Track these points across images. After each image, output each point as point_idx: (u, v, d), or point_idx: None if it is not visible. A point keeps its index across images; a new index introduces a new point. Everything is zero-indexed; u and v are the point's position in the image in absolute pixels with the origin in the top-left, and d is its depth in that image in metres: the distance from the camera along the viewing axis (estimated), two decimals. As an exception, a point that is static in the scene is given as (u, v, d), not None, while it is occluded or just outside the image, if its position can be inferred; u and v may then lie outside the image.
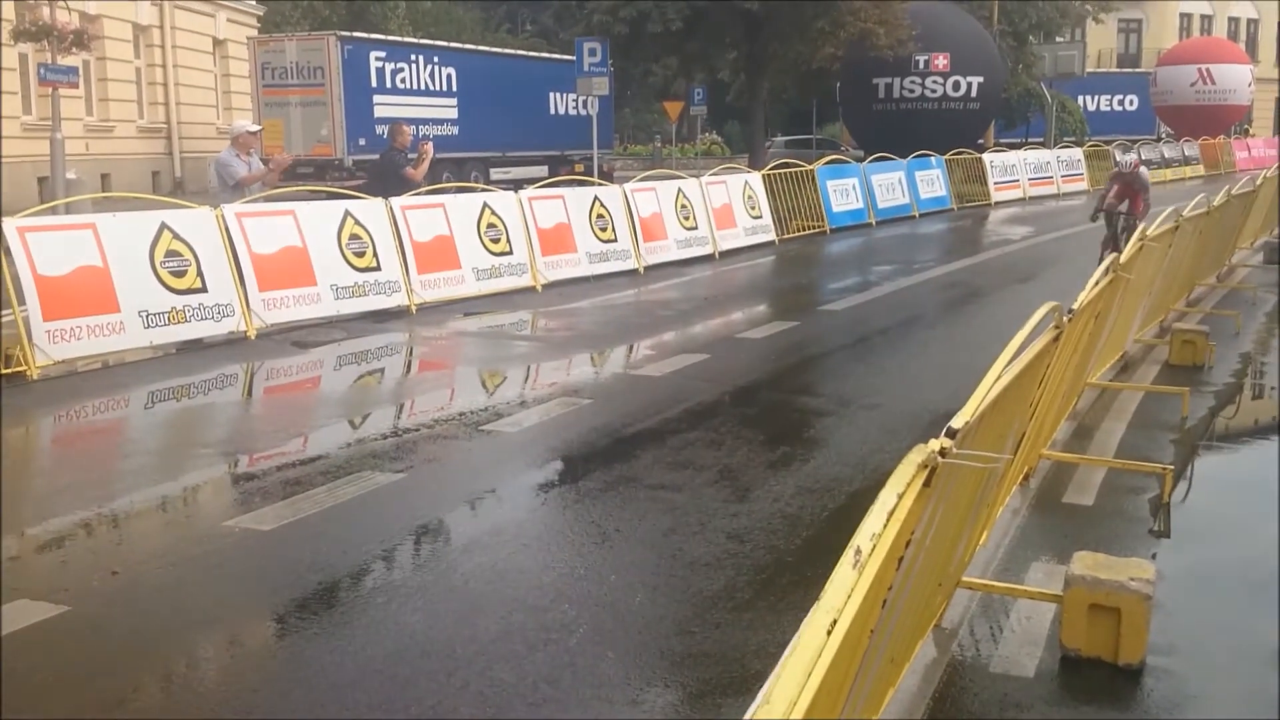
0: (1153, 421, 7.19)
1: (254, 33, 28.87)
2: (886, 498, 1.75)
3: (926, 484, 2.01)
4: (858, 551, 1.55)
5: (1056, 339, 4.05)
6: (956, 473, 2.36)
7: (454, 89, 24.77)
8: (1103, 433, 6.87)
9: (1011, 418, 3.64)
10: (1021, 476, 5.47)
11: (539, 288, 12.71)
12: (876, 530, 1.60)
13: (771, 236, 17.74)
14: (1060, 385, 5.16)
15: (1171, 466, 5.84)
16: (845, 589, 1.50)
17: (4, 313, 8.71)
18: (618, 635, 4.09)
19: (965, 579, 4.14)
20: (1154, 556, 4.83)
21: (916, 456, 1.97)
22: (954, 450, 2.18)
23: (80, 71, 20.92)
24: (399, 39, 27.23)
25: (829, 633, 1.46)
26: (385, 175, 12.60)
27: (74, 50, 19.56)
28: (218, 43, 29.37)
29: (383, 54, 23.25)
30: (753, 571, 4.71)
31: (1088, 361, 6.48)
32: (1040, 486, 5.76)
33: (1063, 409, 6.27)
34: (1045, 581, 4.50)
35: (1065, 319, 4.13)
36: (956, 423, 2.29)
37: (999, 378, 2.75)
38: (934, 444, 2.13)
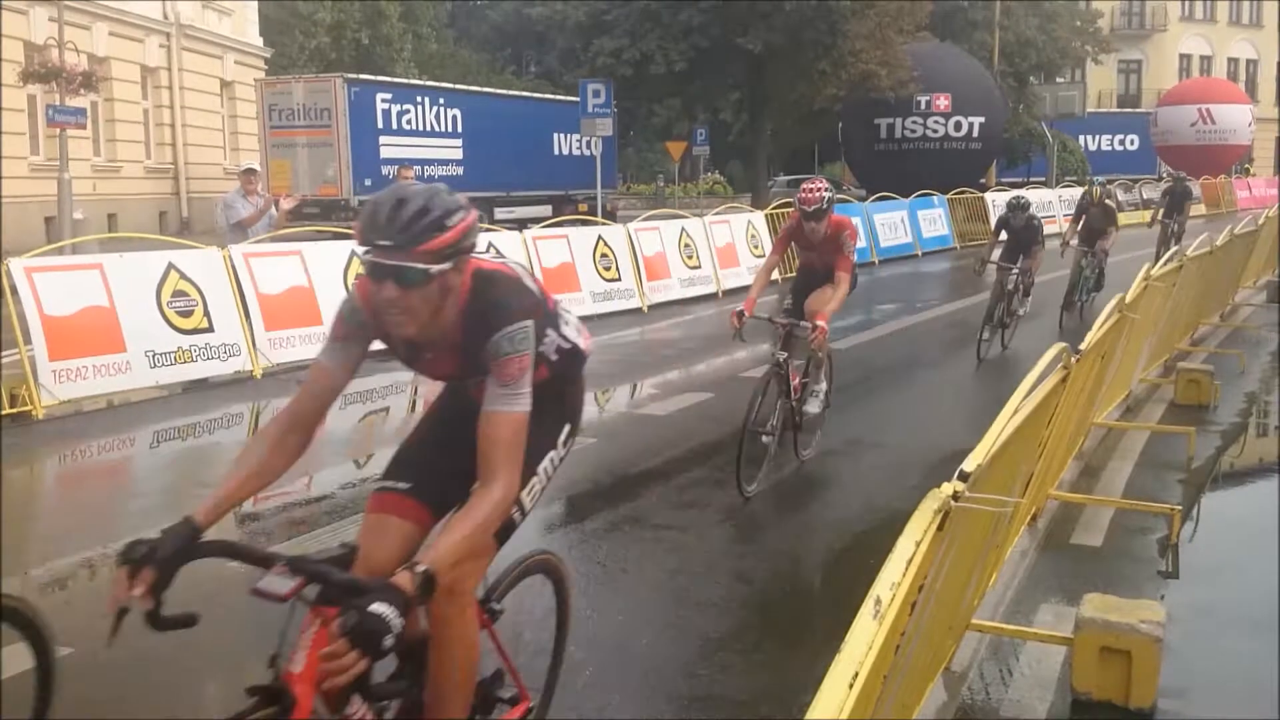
0: (1159, 461, 7.17)
1: (261, 74, 29.12)
2: (905, 546, 1.74)
3: (939, 528, 2.00)
4: (878, 602, 1.54)
5: (1064, 379, 4.05)
6: (968, 516, 2.35)
7: (459, 130, 24.95)
8: (1110, 473, 6.85)
9: (1021, 459, 3.63)
10: (1029, 517, 5.45)
11: (543, 327, 12.72)
12: (896, 579, 1.59)
13: (774, 275, 17.77)
14: (1067, 425, 5.16)
15: (1179, 507, 5.82)
16: (866, 640, 1.49)
17: (9, 353, 8.73)
18: (624, 678, 4.06)
19: (975, 621, 4.11)
20: (1162, 598, 4.80)
21: (932, 503, 1.96)
22: (966, 493, 2.17)
23: (88, 112, 21.10)
24: (405, 81, 27.48)
25: (851, 686, 1.44)
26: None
27: (82, 91, 19.74)
28: (225, 84, 29.62)
29: (389, 95, 23.44)
30: (760, 613, 4.68)
31: (1094, 401, 6.48)
32: (1048, 527, 5.73)
33: (1070, 449, 6.25)
34: (1054, 623, 4.46)
35: (1073, 359, 4.13)
36: (968, 465, 2.29)
37: (1009, 420, 2.75)
38: (947, 488, 2.12)
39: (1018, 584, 4.94)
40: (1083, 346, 4.56)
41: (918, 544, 1.79)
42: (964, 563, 2.93)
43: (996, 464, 2.71)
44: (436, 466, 2.99)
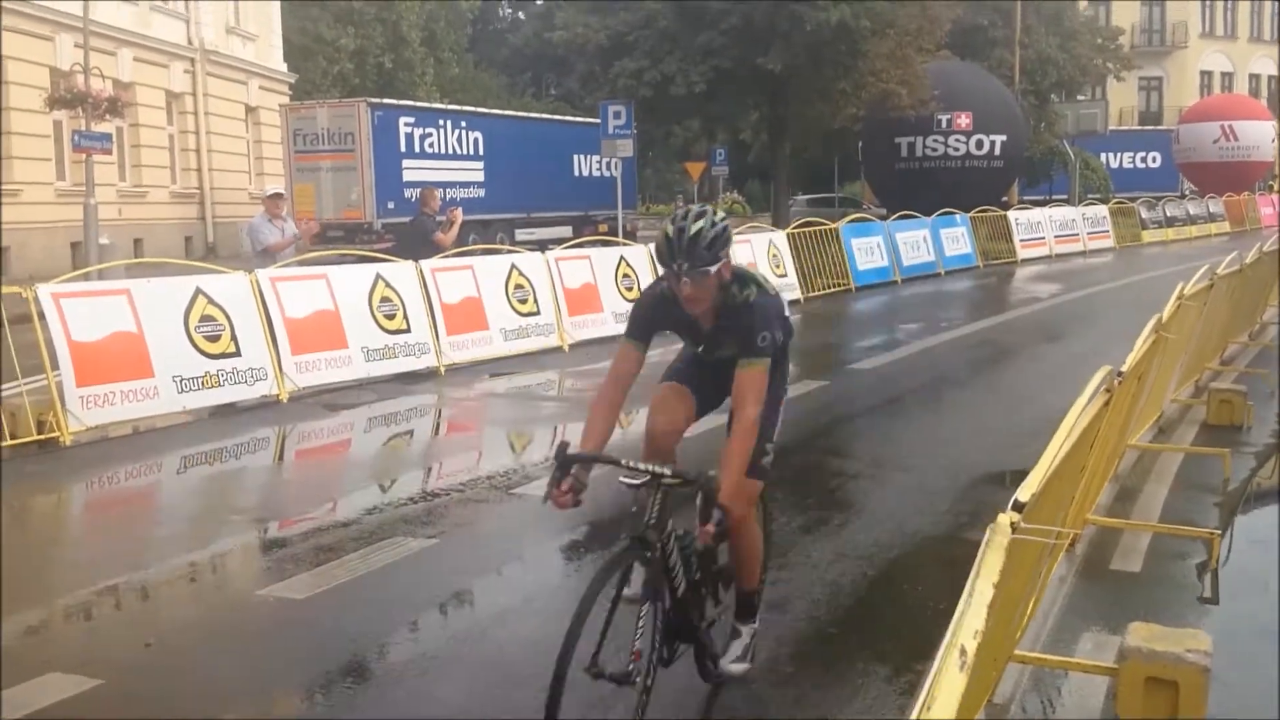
0: (1195, 483, 7.06)
1: (286, 99, 29.33)
2: (983, 589, 1.68)
3: (995, 562, 1.95)
4: (963, 652, 1.47)
5: (1107, 403, 3.97)
6: (1020, 546, 2.29)
7: (480, 152, 25.06)
8: (1146, 496, 6.74)
9: (1066, 485, 3.56)
10: (1068, 542, 5.35)
11: (566, 347, 12.71)
12: (979, 627, 1.53)
13: (796, 294, 17.71)
14: (1105, 448, 5.07)
15: (1218, 532, 5.71)
16: (955, 694, 1.42)
17: (36, 379, 8.74)
18: (658, 710, 3.98)
19: (1016, 652, 4.03)
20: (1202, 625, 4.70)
21: (1002, 539, 1.90)
22: (1022, 524, 2.11)
23: (114, 138, 21.27)
24: (427, 105, 27.61)
25: (945, 746, 1.38)
26: (415, 239, 12.70)
27: (108, 117, 19.91)
28: (250, 109, 29.84)
29: (412, 119, 23.57)
30: (794, 643, 4.60)
31: (1129, 423, 6.39)
32: (1086, 553, 5.63)
33: (1106, 472, 6.16)
34: (1095, 652, 4.37)
35: (1116, 381, 4.06)
36: (1023, 495, 2.22)
37: (1061, 446, 2.68)
38: (1004, 519, 2.06)
39: (1057, 612, 4.84)
40: (1124, 369, 4.48)
41: (995, 586, 1.72)
42: (1011, 594, 2.86)
43: (1045, 491, 2.65)
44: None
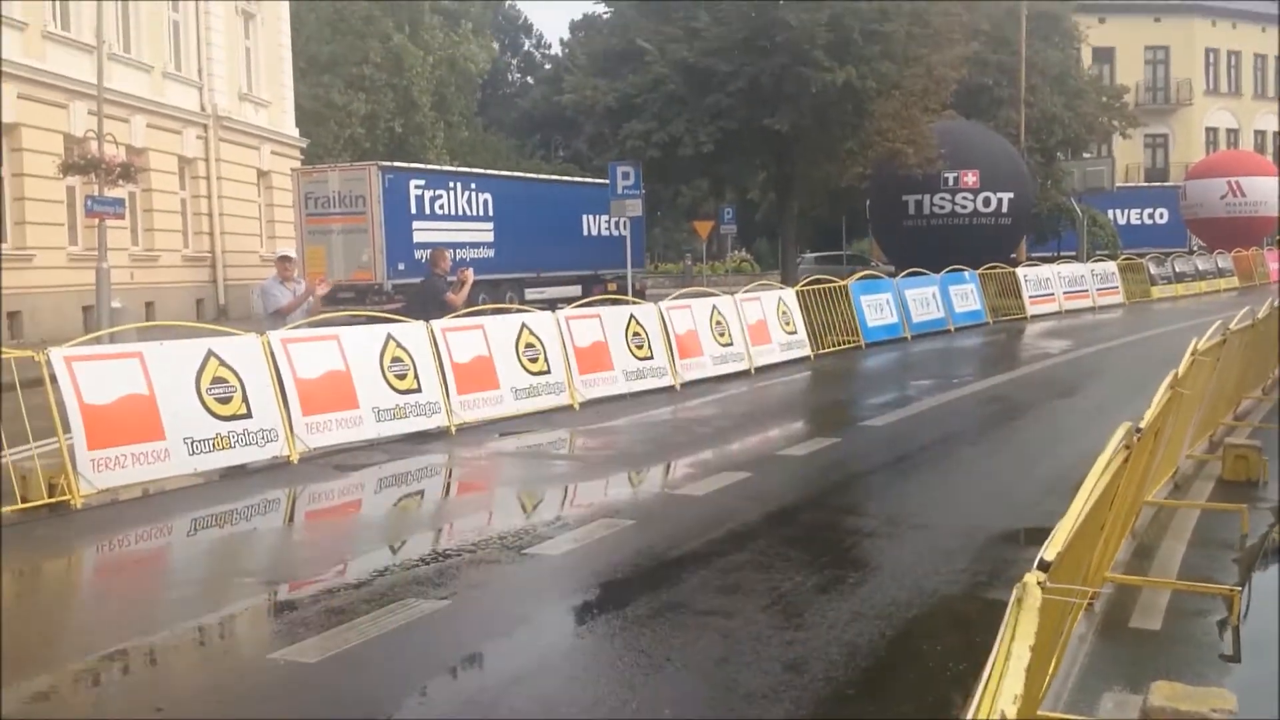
0: (1212, 540, 6.98)
1: (297, 164, 29.68)
2: (1020, 652, 1.64)
3: (1020, 622, 1.92)
4: (1003, 718, 1.44)
5: (1126, 459, 3.94)
6: (1044, 605, 2.25)
7: (490, 213, 25.30)
8: (1164, 553, 6.67)
9: (1087, 543, 3.52)
10: (1087, 600, 5.29)
11: (576, 406, 12.70)
12: (1019, 691, 1.50)
13: (807, 351, 17.73)
14: (1123, 505, 5.03)
15: (1239, 589, 5.64)
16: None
17: (48, 442, 8.74)
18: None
19: (1040, 713, 3.96)
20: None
21: (1033, 600, 1.87)
22: (1048, 584, 2.08)
23: (126, 203, 21.50)
24: (437, 167, 27.93)
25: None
26: (426, 300, 12.78)
27: (121, 182, 20.13)
28: (262, 174, 30.18)
29: (422, 182, 23.83)
30: (812, 705, 4.53)
31: (1146, 479, 6.33)
32: (1105, 610, 5.56)
33: (1124, 529, 6.10)
34: (1117, 711, 4.30)
35: (1135, 438, 4.03)
36: (1048, 554, 2.20)
37: (1084, 504, 2.65)
38: (1030, 579, 2.03)
39: (1078, 670, 4.77)
40: (1142, 424, 4.45)
41: (1032, 648, 1.69)
42: (1037, 654, 2.81)
43: (1068, 550, 2.61)
44: None
